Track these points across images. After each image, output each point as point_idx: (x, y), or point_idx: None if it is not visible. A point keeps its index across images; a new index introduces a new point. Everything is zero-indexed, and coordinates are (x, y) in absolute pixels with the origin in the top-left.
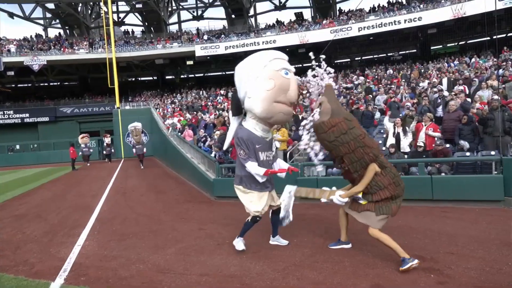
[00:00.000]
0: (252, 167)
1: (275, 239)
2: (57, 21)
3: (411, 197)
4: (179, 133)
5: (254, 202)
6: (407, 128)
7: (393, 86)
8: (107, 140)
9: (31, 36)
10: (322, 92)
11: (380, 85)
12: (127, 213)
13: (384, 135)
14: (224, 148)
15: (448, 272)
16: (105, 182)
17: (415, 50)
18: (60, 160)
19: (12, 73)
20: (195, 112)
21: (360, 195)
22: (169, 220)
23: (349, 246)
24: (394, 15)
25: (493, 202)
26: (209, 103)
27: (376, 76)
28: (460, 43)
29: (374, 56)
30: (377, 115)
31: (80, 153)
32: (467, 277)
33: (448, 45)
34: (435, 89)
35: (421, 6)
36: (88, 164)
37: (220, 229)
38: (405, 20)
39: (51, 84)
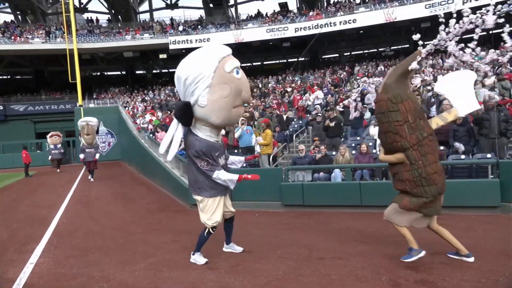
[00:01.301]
0: (223, 175)
1: (229, 246)
2: (6, 4)
3: None
4: (151, 135)
5: (209, 212)
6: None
7: None
8: (53, 140)
9: None
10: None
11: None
12: (90, 225)
13: (375, 137)
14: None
15: (442, 284)
16: (65, 191)
17: (408, 46)
18: (11, 165)
19: None
20: (168, 112)
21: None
22: (139, 232)
23: (472, 259)
24: (386, 7)
25: (490, 208)
26: None
27: (366, 73)
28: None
29: (365, 51)
30: (368, 115)
31: (50, 156)
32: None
33: None
34: (428, 87)
35: None
36: (58, 171)
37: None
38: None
39: (0, 77)
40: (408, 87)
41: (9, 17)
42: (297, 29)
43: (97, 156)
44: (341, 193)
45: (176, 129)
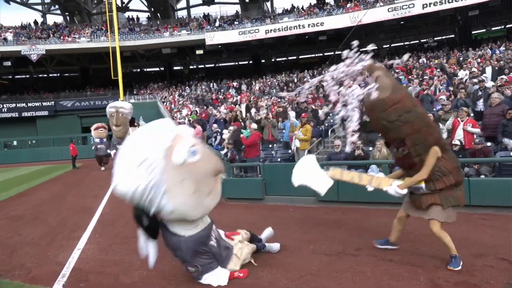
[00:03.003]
0: (222, 274)
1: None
2: (57, 7)
3: None
4: None
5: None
6: (439, 124)
7: (426, 77)
8: (98, 133)
9: (28, 23)
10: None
11: (411, 76)
12: (130, 215)
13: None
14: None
15: (486, 287)
16: (108, 182)
17: (453, 36)
18: (60, 157)
19: (9, 63)
20: (204, 106)
21: (422, 184)
22: None
23: (396, 247)
24: None
25: None
26: (221, 96)
27: (407, 66)
28: (508, 26)
29: (405, 43)
30: None
31: (95, 150)
32: None
33: (493, 28)
34: (475, 80)
35: None
36: (103, 169)
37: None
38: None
39: (50, 75)
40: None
41: (59, 19)
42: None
43: None
44: (378, 190)
45: (145, 244)
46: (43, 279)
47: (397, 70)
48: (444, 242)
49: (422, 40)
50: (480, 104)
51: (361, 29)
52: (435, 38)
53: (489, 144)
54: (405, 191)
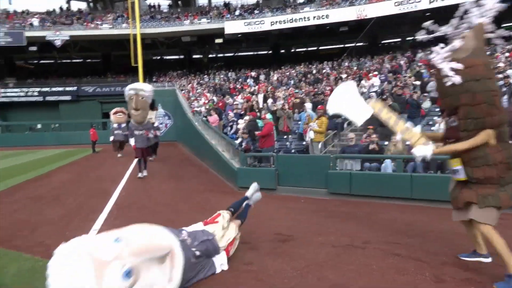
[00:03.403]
0: (220, 259)
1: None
2: None
3: None
4: (204, 118)
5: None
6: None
7: None
8: (117, 118)
9: (53, 9)
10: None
11: (433, 70)
12: (144, 201)
13: (432, 128)
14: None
15: (492, 286)
16: (125, 167)
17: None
18: (80, 141)
19: (35, 48)
20: (222, 96)
21: (458, 166)
22: (188, 210)
23: (489, 260)
24: None
25: None
26: (238, 86)
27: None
28: None
29: (431, 34)
30: (427, 104)
31: (111, 137)
32: None
33: None
34: (500, 76)
35: None
36: (120, 155)
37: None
38: None
39: (74, 61)
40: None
41: (83, 5)
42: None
43: (153, 133)
44: (391, 184)
45: None
46: None
47: (419, 64)
48: (496, 249)
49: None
50: (504, 101)
51: (385, 20)
52: None
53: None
54: (429, 153)
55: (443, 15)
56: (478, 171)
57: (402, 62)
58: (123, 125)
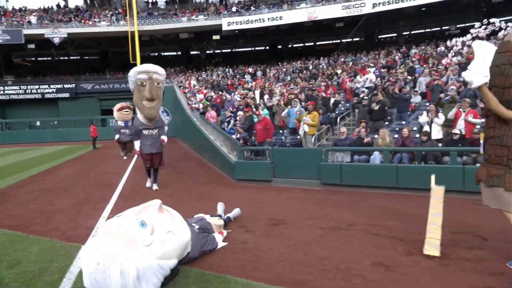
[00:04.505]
0: (218, 238)
1: None
2: None
3: None
4: (201, 114)
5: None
6: (439, 115)
7: (440, 66)
8: (123, 116)
9: (51, 7)
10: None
11: (426, 65)
12: (148, 192)
13: (419, 120)
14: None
15: (454, 257)
16: (127, 162)
17: (477, 23)
18: (80, 138)
19: (33, 46)
20: (220, 92)
21: (481, 140)
22: (190, 199)
23: None
24: None
25: None
26: (236, 82)
27: (424, 55)
28: None
29: (426, 30)
30: (418, 99)
31: (117, 136)
32: (468, 262)
33: None
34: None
35: None
36: (125, 158)
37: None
38: None
39: (71, 58)
40: None
41: (80, 1)
42: (345, 7)
43: (165, 138)
44: (378, 175)
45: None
46: (77, 239)
47: (413, 59)
48: None
49: (444, 28)
50: None
51: (381, 15)
52: (458, 26)
53: None
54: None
55: (438, 8)
56: (492, 148)
57: (397, 58)
58: (130, 123)
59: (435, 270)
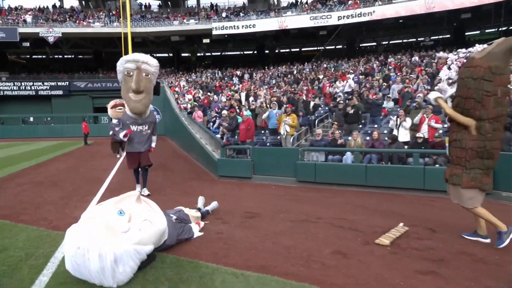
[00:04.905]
0: (194, 228)
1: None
2: None
3: (403, 186)
4: (189, 114)
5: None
6: (406, 119)
7: (412, 75)
8: (117, 113)
9: (46, 7)
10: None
11: (400, 73)
12: (134, 187)
13: (390, 124)
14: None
15: (404, 246)
16: (116, 159)
17: (448, 35)
18: (72, 134)
19: (27, 44)
20: (208, 93)
21: (447, 143)
22: (173, 194)
23: (488, 241)
24: None
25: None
26: (224, 84)
27: (399, 63)
28: (502, 29)
29: (403, 40)
30: (390, 104)
31: (111, 132)
32: (416, 250)
33: (487, 31)
34: (450, 80)
35: None
36: (118, 156)
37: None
38: None
39: (66, 57)
40: (509, 63)
41: (75, 2)
42: (340, 18)
43: (153, 144)
44: (349, 173)
45: None
46: (62, 228)
47: (389, 67)
48: (486, 219)
49: (419, 39)
50: None
51: (362, 25)
52: (432, 38)
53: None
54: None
55: (414, 21)
56: (454, 150)
57: (375, 65)
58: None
59: (386, 257)
